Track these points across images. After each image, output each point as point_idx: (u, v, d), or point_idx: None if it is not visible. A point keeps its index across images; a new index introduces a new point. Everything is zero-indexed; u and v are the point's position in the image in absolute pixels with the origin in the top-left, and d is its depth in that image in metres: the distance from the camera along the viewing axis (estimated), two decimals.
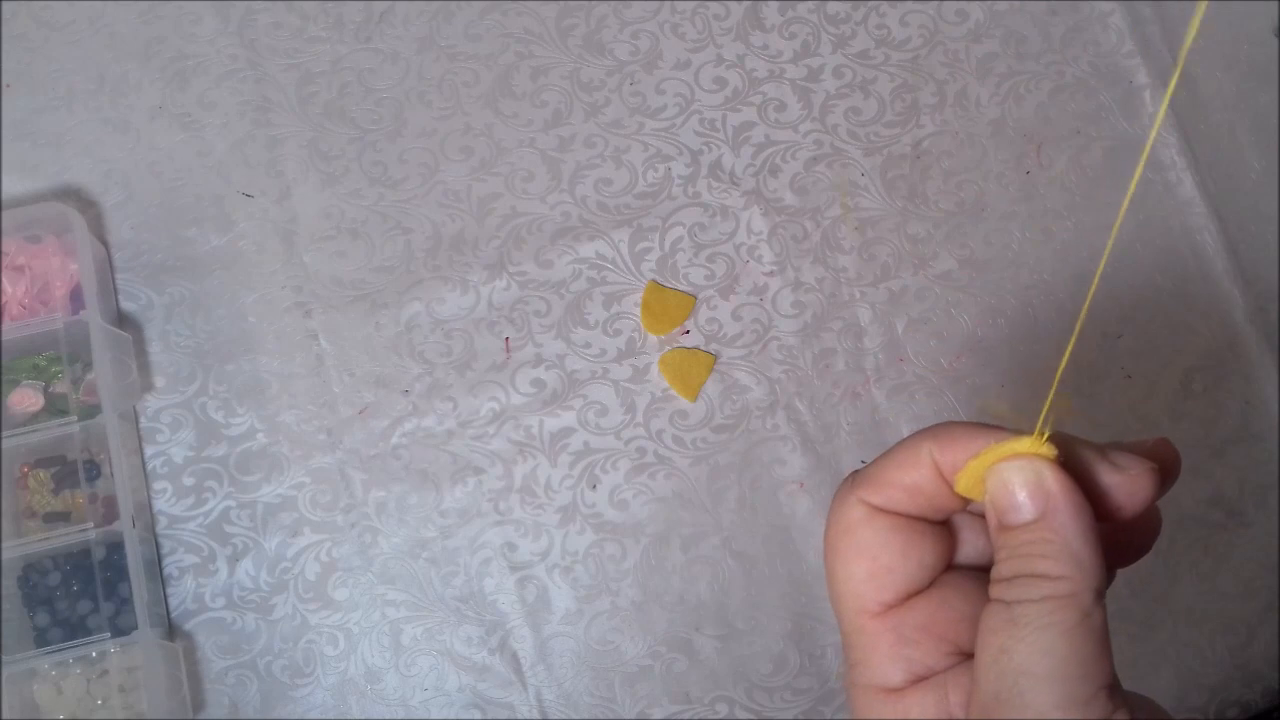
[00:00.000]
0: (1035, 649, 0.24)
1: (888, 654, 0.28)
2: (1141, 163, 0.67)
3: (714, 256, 0.64)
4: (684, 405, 0.62)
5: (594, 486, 0.60)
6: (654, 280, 0.63)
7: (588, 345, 0.62)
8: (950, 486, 0.28)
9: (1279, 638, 0.61)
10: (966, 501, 0.29)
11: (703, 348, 0.62)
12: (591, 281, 0.63)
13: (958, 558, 0.30)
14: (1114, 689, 0.25)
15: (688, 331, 0.63)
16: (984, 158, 0.66)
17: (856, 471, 0.29)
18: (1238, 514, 0.63)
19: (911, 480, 0.28)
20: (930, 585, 0.29)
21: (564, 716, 0.58)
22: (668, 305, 0.63)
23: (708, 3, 0.67)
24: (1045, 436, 0.26)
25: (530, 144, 0.64)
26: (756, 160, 0.65)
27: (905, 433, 0.62)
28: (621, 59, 0.66)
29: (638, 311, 0.62)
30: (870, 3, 0.68)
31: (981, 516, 0.30)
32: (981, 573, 0.29)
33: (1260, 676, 0.61)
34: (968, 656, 0.28)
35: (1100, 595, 0.25)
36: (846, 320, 0.63)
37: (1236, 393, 0.64)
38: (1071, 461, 0.27)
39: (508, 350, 0.62)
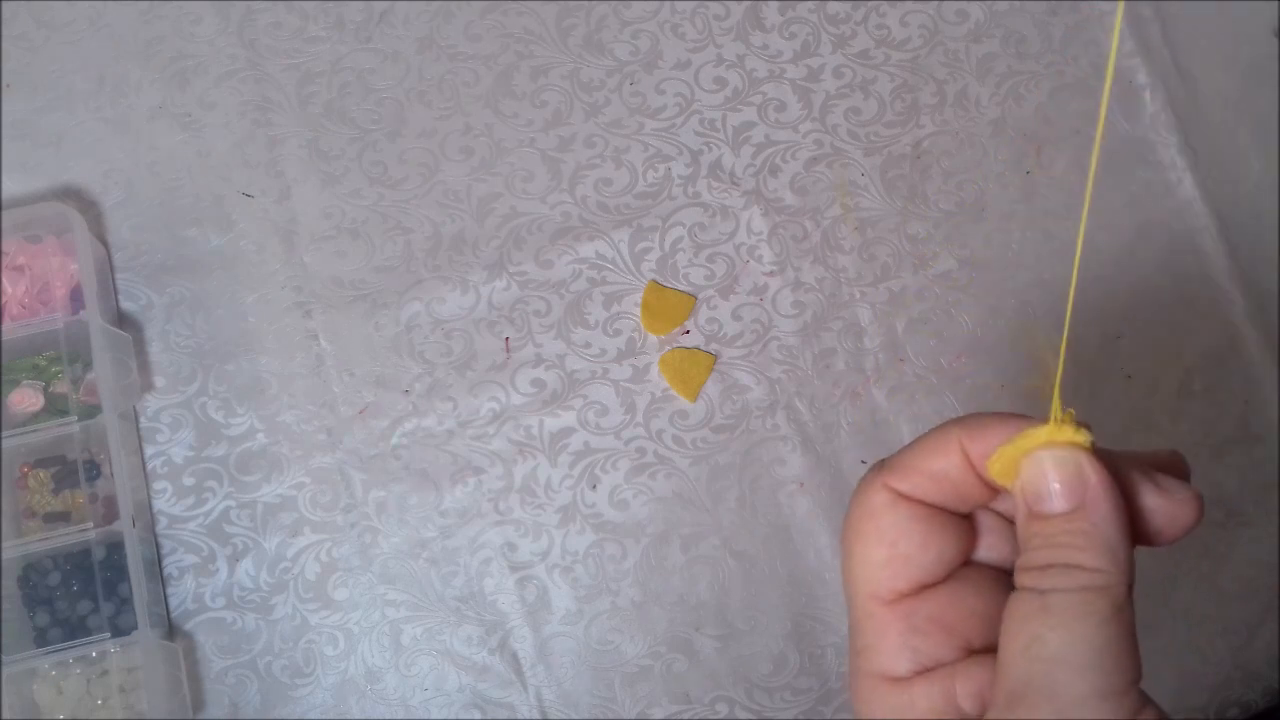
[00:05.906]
0: (1071, 638, 0.24)
1: (896, 642, 0.27)
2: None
3: (714, 256, 0.64)
4: (684, 405, 0.62)
5: (594, 486, 0.60)
6: (654, 280, 0.63)
7: (588, 345, 0.62)
8: (979, 477, 0.27)
9: (1279, 638, 0.61)
10: (993, 494, 0.28)
11: (703, 348, 0.62)
12: (591, 281, 0.63)
13: (976, 555, 0.30)
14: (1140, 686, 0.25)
15: (688, 331, 0.63)
16: (984, 158, 0.66)
17: (885, 458, 0.29)
18: (1238, 514, 0.63)
19: (939, 467, 0.28)
20: (946, 579, 0.28)
21: (564, 716, 0.58)
22: (668, 305, 0.63)
23: (708, 3, 0.67)
24: (1081, 427, 0.26)
25: (530, 144, 0.64)
26: (756, 160, 0.65)
27: (905, 432, 0.62)
28: (621, 59, 0.66)
29: (638, 311, 0.62)
30: (870, 3, 0.67)
31: (1004, 518, 0.30)
32: (998, 573, 0.29)
33: (1260, 676, 0.61)
34: (977, 653, 0.28)
35: (1131, 590, 0.25)
36: (846, 320, 0.63)
37: (1236, 393, 0.64)
38: (1113, 473, 0.26)
39: (508, 350, 0.62)
